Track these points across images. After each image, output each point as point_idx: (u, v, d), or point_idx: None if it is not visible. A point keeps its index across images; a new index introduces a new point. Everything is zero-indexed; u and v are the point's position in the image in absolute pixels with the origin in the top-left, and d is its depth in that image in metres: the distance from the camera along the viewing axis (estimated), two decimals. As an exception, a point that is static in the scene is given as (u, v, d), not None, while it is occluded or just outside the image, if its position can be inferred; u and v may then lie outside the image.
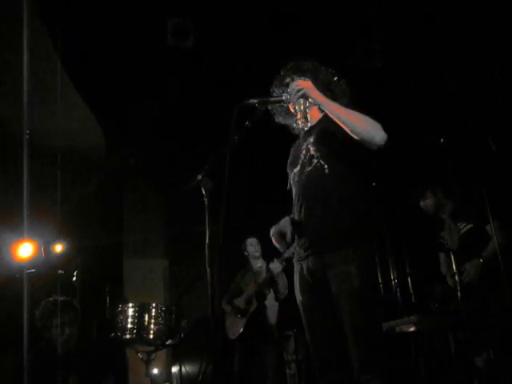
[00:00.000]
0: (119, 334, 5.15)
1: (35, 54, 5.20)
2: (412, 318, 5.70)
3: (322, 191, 3.20)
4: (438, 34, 6.49)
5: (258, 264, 6.69)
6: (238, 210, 5.05)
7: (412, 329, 5.65)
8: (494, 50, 6.43)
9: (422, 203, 6.10)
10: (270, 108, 3.64)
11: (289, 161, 3.58)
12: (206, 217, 3.57)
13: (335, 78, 3.55)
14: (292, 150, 3.65)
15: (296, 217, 3.34)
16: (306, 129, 3.47)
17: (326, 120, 3.38)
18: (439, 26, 6.54)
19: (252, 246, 6.81)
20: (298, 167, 3.37)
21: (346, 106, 3.28)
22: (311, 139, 3.37)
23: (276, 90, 3.59)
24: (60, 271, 5.62)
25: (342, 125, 3.11)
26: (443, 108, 6.89)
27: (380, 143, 3.08)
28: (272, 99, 3.56)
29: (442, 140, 5.30)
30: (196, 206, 3.51)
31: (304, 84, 3.22)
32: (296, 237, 3.34)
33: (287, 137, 3.79)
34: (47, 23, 5.66)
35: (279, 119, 3.70)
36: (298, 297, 3.30)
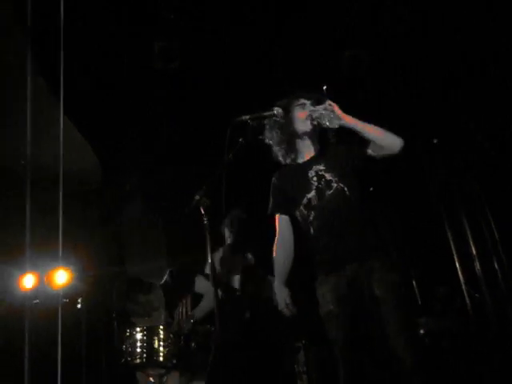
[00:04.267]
0: (129, 359, 5.11)
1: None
2: (420, 320, 5.61)
3: (348, 211, 3.47)
4: (427, 32, 6.50)
5: None
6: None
7: (421, 331, 5.60)
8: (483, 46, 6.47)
9: None
10: (267, 141, 3.83)
11: (291, 187, 3.74)
12: (207, 236, 3.61)
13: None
14: (285, 178, 3.82)
15: (316, 236, 3.55)
16: (305, 159, 3.75)
17: (329, 149, 3.71)
18: (429, 24, 6.55)
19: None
20: (313, 192, 3.56)
21: None
22: (321, 167, 3.60)
23: (279, 122, 3.75)
24: (64, 300, 5.60)
25: (371, 138, 3.44)
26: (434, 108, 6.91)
27: (400, 149, 3.45)
28: (264, 114, 3.62)
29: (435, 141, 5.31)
30: (196, 225, 3.54)
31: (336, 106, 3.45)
32: (318, 249, 3.56)
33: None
34: (39, 60, 5.70)
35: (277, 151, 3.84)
36: (328, 307, 3.41)
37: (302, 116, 3.67)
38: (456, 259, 6.22)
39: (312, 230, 3.56)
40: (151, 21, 6.11)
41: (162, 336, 5.13)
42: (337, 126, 3.42)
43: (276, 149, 3.80)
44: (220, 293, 5.08)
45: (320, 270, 3.55)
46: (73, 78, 5.66)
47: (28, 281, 6.13)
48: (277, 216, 3.84)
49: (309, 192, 3.57)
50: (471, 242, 6.18)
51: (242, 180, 4.87)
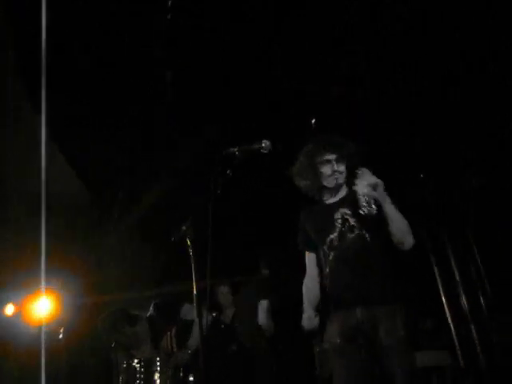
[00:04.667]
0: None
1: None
2: None
3: (366, 256, 3.59)
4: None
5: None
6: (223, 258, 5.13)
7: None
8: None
9: None
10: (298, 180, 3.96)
11: (315, 226, 3.87)
12: (193, 267, 3.68)
13: (354, 150, 3.88)
14: (312, 217, 3.94)
15: (332, 275, 3.70)
16: (333, 200, 3.89)
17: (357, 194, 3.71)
18: (428, 22, 6.51)
19: (223, 294, 6.66)
20: (336, 234, 3.69)
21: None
22: (347, 210, 3.71)
23: (307, 173, 3.90)
24: (46, 328, 5.63)
25: (390, 223, 3.53)
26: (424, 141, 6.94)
27: (409, 248, 3.60)
28: (252, 147, 3.66)
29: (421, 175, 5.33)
30: (182, 257, 3.63)
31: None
32: (332, 288, 3.71)
33: (268, 183, 3.90)
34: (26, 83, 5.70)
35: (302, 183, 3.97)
36: (335, 340, 3.58)
37: (327, 172, 3.82)
38: (442, 294, 6.28)
39: (328, 269, 3.72)
40: (146, 28, 6.08)
41: (159, 368, 5.15)
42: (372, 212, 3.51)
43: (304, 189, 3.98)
44: (207, 323, 5.14)
45: (331, 307, 3.71)
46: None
47: (9, 308, 6.20)
48: (306, 253, 4.00)
49: (332, 233, 3.71)
50: (457, 277, 6.23)
51: (228, 211, 4.93)
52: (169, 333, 5.65)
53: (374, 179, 3.47)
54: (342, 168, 3.82)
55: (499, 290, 5.91)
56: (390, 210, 3.52)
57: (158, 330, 5.56)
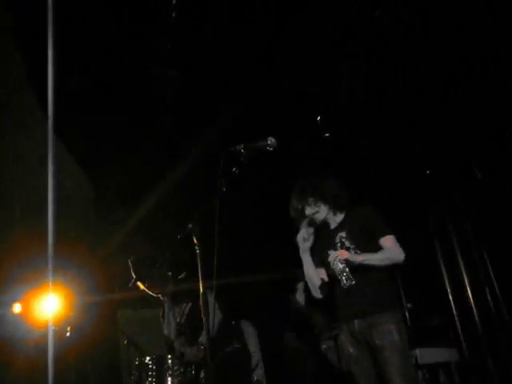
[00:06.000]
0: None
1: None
2: (413, 352, 5.54)
3: (359, 275, 4.00)
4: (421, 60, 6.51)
5: None
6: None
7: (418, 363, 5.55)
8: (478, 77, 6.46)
9: None
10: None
11: (320, 249, 4.31)
12: (199, 264, 3.65)
13: (335, 189, 4.34)
14: (319, 238, 4.37)
15: (336, 293, 4.20)
16: (333, 226, 4.33)
17: (351, 219, 4.27)
18: (429, 24, 6.51)
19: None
20: None
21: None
22: (343, 234, 4.17)
23: (298, 219, 4.32)
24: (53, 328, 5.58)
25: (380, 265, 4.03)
26: (428, 138, 6.97)
27: (402, 261, 4.05)
28: (257, 144, 3.65)
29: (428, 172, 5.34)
30: (188, 255, 3.61)
31: (341, 253, 4.00)
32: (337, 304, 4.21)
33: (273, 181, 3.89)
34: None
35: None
36: (348, 351, 4.06)
37: (307, 214, 4.29)
38: (449, 290, 6.29)
39: (341, 285, 4.13)
40: (151, 22, 6.06)
41: (170, 365, 5.11)
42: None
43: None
44: (219, 317, 5.15)
45: (339, 319, 4.20)
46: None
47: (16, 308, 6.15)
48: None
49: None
50: (464, 273, 6.22)
51: (235, 209, 4.91)
52: (184, 305, 5.59)
53: (340, 257, 3.96)
54: (314, 210, 4.26)
55: (506, 286, 5.93)
56: (368, 263, 3.95)
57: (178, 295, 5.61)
